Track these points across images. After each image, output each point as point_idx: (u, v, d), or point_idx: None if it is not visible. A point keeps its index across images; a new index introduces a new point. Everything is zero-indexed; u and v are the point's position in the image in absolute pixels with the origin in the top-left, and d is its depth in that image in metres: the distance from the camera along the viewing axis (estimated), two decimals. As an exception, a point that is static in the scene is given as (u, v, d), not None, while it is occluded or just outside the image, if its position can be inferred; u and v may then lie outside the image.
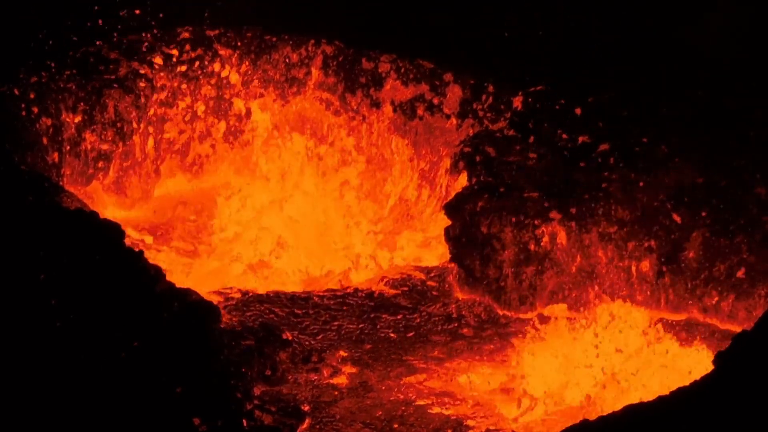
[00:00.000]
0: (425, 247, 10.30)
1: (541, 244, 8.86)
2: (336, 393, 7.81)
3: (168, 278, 7.22)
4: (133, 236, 10.36)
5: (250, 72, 11.46)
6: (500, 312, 8.92)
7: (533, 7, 11.24)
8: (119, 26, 11.18)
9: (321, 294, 9.27)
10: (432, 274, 9.47)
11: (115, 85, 10.82)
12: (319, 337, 8.54)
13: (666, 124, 9.57)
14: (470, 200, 9.19)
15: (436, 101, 10.86)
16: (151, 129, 11.16)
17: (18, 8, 10.79)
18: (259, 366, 7.69)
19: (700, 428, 5.24)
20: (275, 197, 10.58)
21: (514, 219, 8.95)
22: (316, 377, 7.93)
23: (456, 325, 8.84)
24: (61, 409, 5.85)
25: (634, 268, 8.76)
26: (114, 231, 7.29)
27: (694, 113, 9.68)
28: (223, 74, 11.44)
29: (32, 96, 10.31)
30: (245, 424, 6.68)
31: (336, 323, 8.75)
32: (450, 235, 9.25)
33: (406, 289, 9.30)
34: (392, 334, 8.68)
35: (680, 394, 5.52)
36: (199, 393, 6.30)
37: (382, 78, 11.07)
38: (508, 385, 7.91)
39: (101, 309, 6.51)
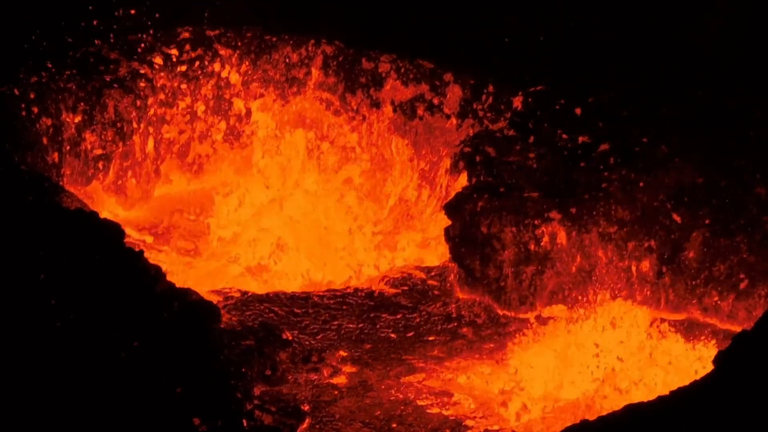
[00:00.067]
0: (425, 247, 10.30)
1: (541, 244, 8.86)
2: (336, 392, 7.81)
3: (168, 278, 7.23)
4: (133, 236, 10.36)
5: (250, 72, 11.47)
6: (500, 312, 8.92)
7: (533, 7, 11.24)
8: (119, 26, 11.19)
9: (321, 293, 9.27)
10: (432, 274, 9.48)
11: (115, 85, 10.83)
12: (319, 336, 8.54)
13: (666, 124, 9.57)
14: (470, 200, 9.19)
15: (436, 101, 10.86)
16: (151, 129, 11.17)
17: (18, 8, 10.79)
18: (259, 366, 7.69)
19: (700, 428, 5.24)
20: (275, 197, 10.58)
21: (514, 219, 8.95)
22: (316, 377, 7.93)
23: (455, 324, 8.84)
24: (61, 409, 5.85)
25: (634, 268, 8.76)
26: (114, 231, 7.29)
27: (694, 113, 9.67)
28: (223, 74, 11.45)
29: (32, 96, 10.31)
30: (245, 424, 6.68)
31: (336, 322, 8.76)
32: (450, 235, 9.25)
33: (406, 288, 9.30)
34: (392, 334, 8.68)
35: (680, 394, 5.52)
36: (199, 393, 6.30)
37: (382, 78, 11.07)
38: (508, 385, 7.91)
39: (101, 309, 6.51)
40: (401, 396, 7.82)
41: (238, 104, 11.52)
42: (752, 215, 8.78)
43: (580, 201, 9.01)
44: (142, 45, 11.19)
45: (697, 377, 5.70)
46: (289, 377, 7.84)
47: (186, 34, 11.40)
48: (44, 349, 6.14)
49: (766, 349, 5.44)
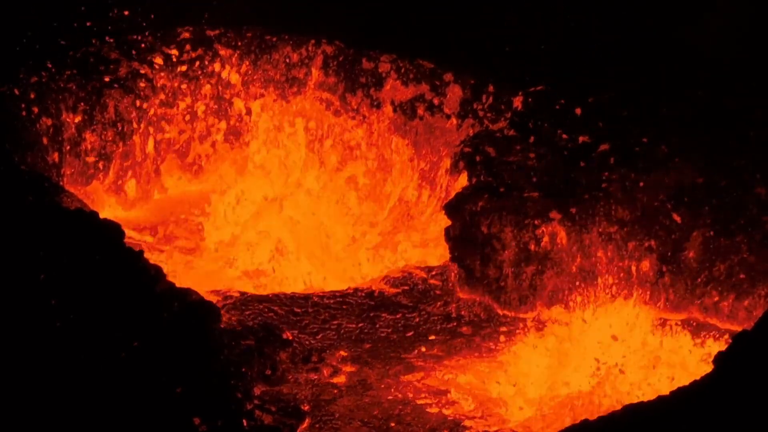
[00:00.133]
0: (425, 247, 10.30)
1: (541, 244, 8.86)
2: (335, 391, 7.81)
3: (168, 278, 7.23)
4: (133, 236, 10.37)
5: (250, 72, 11.47)
6: (500, 312, 8.92)
7: (533, 7, 11.25)
8: (120, 26, 11.19)
9: (321, 293, 9.27)
10: (433, 273, 9.48)
11: (115, 85, 10.83)
12: (319, 336, 8.54)
13: (666, 124, 9.57)
14: (470, 200, 9.19)
15: (436, 101, 10.86)
16: (151, 129, 11.17)
17: (18, 8, 10.79)
18: (259, 366, 7.69)
19: (700, 428, 5.24)
20: (275, 197, 10.58)
21: (514, 219, 8.95)
22: (316, 377, 7.93)
23: (455, 324, 8.84)
24: (61, 409, 5.85)
25: (634, 268, 8.76)
26: (114, 231, 7.29)
27: (694, 113, 9.67)
28: (224, 74, 11.45)
29: (32, 96, 10.31)
30: (245, 424, 6.68)
31: (335, 322, 8.75)
32: (450, 235, 9.25)
33: (406, 288, 9.30)
34: (391, 333, 8.68)
35: (680, 394, 5.52)
36: (199, 393, 6.30)
37: (383, 78, 11.07)
38: (507, 384, 7.91)
39: (101, 309, 6.51)
40: (400, 395, 7.82)
41: (238, 104, 11.52)
42: (752, 215, 8.78)
43: (580, 201, 9.01)
44: (142, 45, 11.19)
45: (697, 377, 5.70)
46: (289, 377, 7.84)
47: (186, 34, 11.40)
48: (44, 349, 6.14)
49: (766, 349, 5.44)
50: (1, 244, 6.76)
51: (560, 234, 8.87)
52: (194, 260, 10.27)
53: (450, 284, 9.27)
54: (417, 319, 8.89)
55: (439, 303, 9.11)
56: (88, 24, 11.05)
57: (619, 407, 5.67)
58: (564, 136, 9.69)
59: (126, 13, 11.22)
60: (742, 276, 8.53)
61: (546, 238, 8.86)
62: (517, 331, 8.40)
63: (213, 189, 11.12)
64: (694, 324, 8.54)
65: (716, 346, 8.00)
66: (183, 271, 9.90)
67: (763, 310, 7.54)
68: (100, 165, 10.79)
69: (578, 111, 9.89)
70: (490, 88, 10.60)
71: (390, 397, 7.79)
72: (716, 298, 8.59)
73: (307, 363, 8.05)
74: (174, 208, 11.15)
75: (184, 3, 11.51)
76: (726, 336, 8.28)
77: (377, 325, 8.79)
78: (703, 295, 8.65)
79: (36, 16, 10.81)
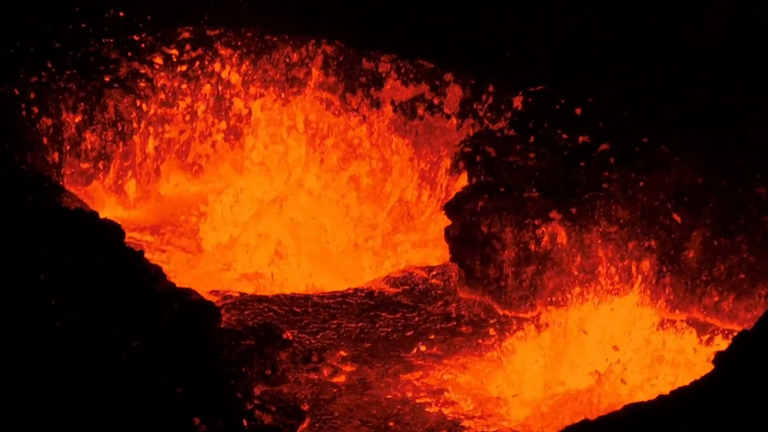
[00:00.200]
0: (425, 247, 10.30)
1: (541, 244, 8.86)
2: (335, 390, 7.81)
3: (168, 278, 7.22)
4: (134, 236, 10.36)
5: (250, 72, 11.47)
6: (500, 312, 8.92)
7: (533, 7, 11.24)
8: (119, 26, 11.19)
9: (320, 293, 9.27)
10: (434, 273, 9.48)
11: (115, 85, 10.83)
12: (319, 335, 8.54)
13: (666, 124, 9.56)
14: (470, 200, 9.19)
15: (436, 101, 10.86)
16: (151, 129, 11.17)
17: (18, 8, 10.79)
18: (259, 366, 7.69)
19: (700, 428, 5.24)
20: (274, 198, 10.57)
21: (514, 219, 8.95)
22: (316, 377, 7.93)
23: (455, 323, 8.84)
24: (62, 409, 5.85)
25: (634, 268, 8.76)
26: (114, 231, 7.29)
27: (694, 113, 9.67)
28: (224, 74, 11.45)
29: (32, 96, 10.31)
30: (245, 424, 6.68)
31: (335, 321, 8.75)
32: (450, 235, 9.25)
33: (407, 288, 9.30)
34: (391, 333, 8.68)
35: (680, 394, 5.52)
36: (199, 393, 6.30)
37: (383, 78, 11.07)
38: (507, 384, 7.91)
39: (101, 309, 6.51)
40: (399, 394, 7.82)
41: (238, 104, 11.52)
42: (752, 215, 8.78)
43: (580, 201, 9.01)
44: (142, 45, 11.19)
45: (697, 377, 5.70)
46: (289, 377, 7.84)
47: (186, 34, 11.40)
48: (44, 349, 6.14)
49: (766, 349, 5.44)
50: (1, 244, 6.76)
51: (560, 234, 8.87)
52: (194, 260, 10.27)
53: (450, 284, 9.27)
54: (417, 319, 8.89)
55: (439, 303, 9.11)
56: (87, 24, 11.05)
57: (619, 407, 5.67)
58: (564, 136, 9.69)
59: (126, 13, 11.22)
60: (742, 276, 8.53)
61: (546, 238, 8.86)
62: (517, 330, 8.39)
63: (213, 189, 11.12)
64: (698, 323, 8.53)
65: (721, 345, 8.00)
66: (183, 271, 9.90)
67: (763, 310, 7.54)
68: (100, 165, 10.79)
69: (578, 111, 9.89)
70: (490, 88, 10.60)
71: (389, 396, 7.79)
72: (716, 298, 8.59)
73: (307, 363, 8.05)
74: (174, 208, 11.15)
75: (184, 3, 11.51)
76: (721, 334, 8.30)
77: (377, 325, 8.79)
78: (703, 295, 8.65)
79: (36, 16, 10.81)
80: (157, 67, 11.16)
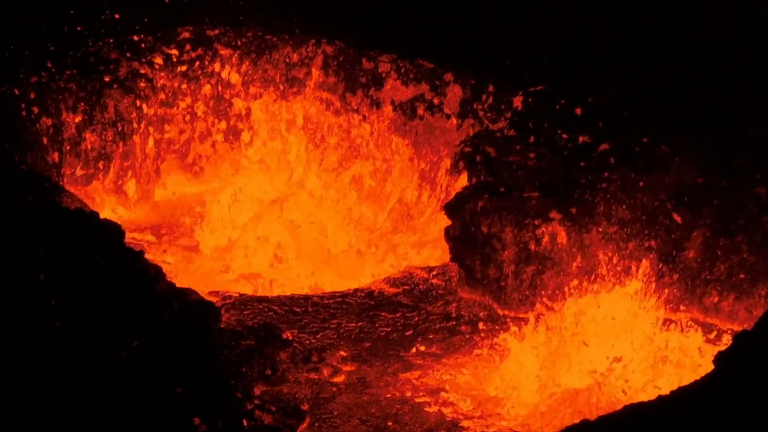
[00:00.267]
0: (425, 247, 10.30)
1: (542, 244, 8.86)
2: (334, 389, 7.81)
3: (169, 278, 7.22)
4: (134, 236, 10.36)
5: (250, 72, 11.47)
6: (500, 312, 8.92)
7: (533, 7, 11.25)
8: (119, 26, 11.19)
9: (320, 293, 9.27)
10: (433, 273, 9.48)
11: (115, 85, 10.83)
12: (319, 335, 8.54)
13: (666, 124, 9.57)
14: (470, 200, 9.19)
15: (436, 101, 10.86)
16: (151, 129, 11.17)
17: (18, 8, 10.79)
18: (259, 366, 7.69)
19: (700, 428, 5.24)
20: (274, 199, 10.57)
21: (514, 219, 8.95)
22: (316, 376, 7.93)
23: (454, 323, 8.84)
24: (62, 409, 5.85)
25: (634, 268, 8.76)
26: (114, 231, 7.29)
27: (694, 113, 9.67)
28: (224, 74, 11.45)
29: (32, 96, 10.31)
30: (245, 424, 6.68)
31: (335, 321, 8.76)
32: (450, 235, 9.25)
33: (407, 288, 9.30)
34: (391, 332, 8.68)
35: (680, 394, 5.52)
36: (199, 393, 6.30)
37: (383, 78, 11.07)
38: (506, 384, 7.91)
39: (101, 309, 6.51)
40: (398, 394, 7.82)
41: (238, 104, 11.52)
42: (752, 215, 8.78)
43: (580, 201, 9.01)
44: (142, 45, 11.19)
45: (697, 376, 5.70)
46: (289, 377, 7.84)
47: (186, 34, 11.40)
48: (44, 349, 6.14)
49: (766, 349, 5.44)
50: (1, 244, 6.76)
51: (560, 234, 8.87)
52: (194, 261, 10.27)
53: (451, 284, 9.27)
54: (416, 318, 8.89)
55: (439, 303, 9.11)
56: (88, 24, 11.05)
57: (619, 407, 5.66)
58: (564, 136, 9.69)
59: (126, 13, 11.22)
60: (742, 276, 8.53)
61: (546, 238, 8.86)
62: (517, 330, 8.39)
63: (212, 189, 11.12)
64: (701, 322, 8.52)
65: (717, 345, 8.00)
66: (183, 272, 9.90)
67: (763, 310, 7.54)
68: (101, 165, 10.79)
69: (578, 111, 9.89)
70: (490, 88, 10.60)
71: (388, 396, 7.79)
72: (716, 298, 8.59)
73: (307, 363, 8.05)
74: (174, 208, 11.15)
75: (184, 3, 11.51)
76: (721, 334, 8.30)
77: (377, 324, 8.79)
78: (703, 295, 8.65)
79: (36, 16, 10.81)
80: (157, 67, 11.16)
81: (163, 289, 6.98)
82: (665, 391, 5.79)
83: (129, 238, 9.22)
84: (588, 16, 11.10)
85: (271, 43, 11.47)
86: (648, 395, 7.28)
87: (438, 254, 9.97)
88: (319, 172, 10.98)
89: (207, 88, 11.41)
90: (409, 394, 7.84)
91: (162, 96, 11.19)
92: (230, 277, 9.90)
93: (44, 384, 5.95)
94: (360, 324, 8.77)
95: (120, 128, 10.82)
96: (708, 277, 8.64)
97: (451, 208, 9.29)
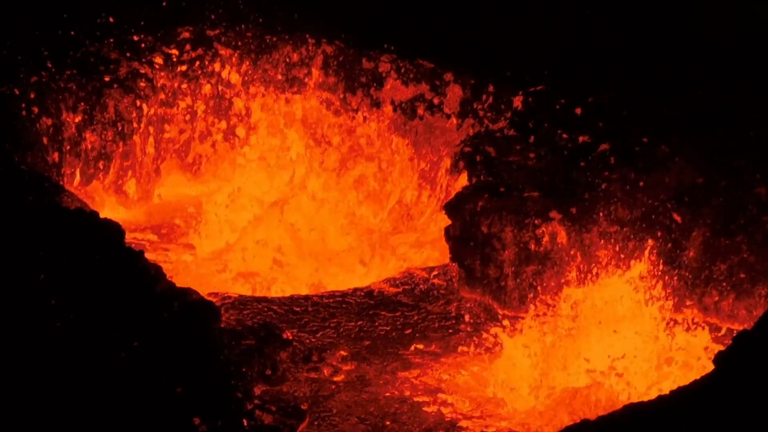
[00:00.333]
0: (425, 247, 10.30)
1: (542, 243, 8.86)
2: (333, 387, 7.82)
3: (169, 278, 7.22)
4: (134, 236, 10.36)
5: (250, 72, 11.47)
6: (500, 311, 8.92)
7: (533, 7, 11.24)
8: (120, 26, 11.19)
9: (320, 293, 9.27)
10: (434, 273, 9.48)
11: (115, 85, 10.83)
12: (318, 334, 8.54)
13: (666, 124, 9.57)
14: (470, 200, 9.19)
15: (436, 101, 10.86)
16: (151, 129, 11.17)
17: (18, 8, 10.79)
18: (259, 366, 7.68)
19: (700, 428, 5.23)
20: (274, 199, 10.56)
21: (514, 219, 8.95)
22: (316, 376, 7.93)
23: (454, 322, 8.84)
24: (62, 409, 5.85)
25: (634, 268, 8.75)
26: (114, 231, 7.28)
27: (694, 113, 9.67)
28: (224, 74, 11.45)
29: (32, 96, 10.31)
30: (245, 424, 6.67)
31: (335, 320, 8.76)
32: (450, 235, 9.25)
33: (407, 287, 9.31)
34: (390, 331, 8.68)
35: (680, 394, 5.52)
36: (199, 393, 6.30)
37: (383, 78, 11.07)
38: (505, 384, 7.91)
39: (101, 309, 6.51)
40: (397, 393, 7.82)
41: (238, 104, 11.52)
42: (752, 215, 8.78)
43: (580, 201, 9.01)
44: (142, 45, 11.19)
45: (697, 376, 5.70)
46: (289, 376, 7.84)
47: (186, 34, 11.40)
48: (44, 349, 6.14)
49: (766, 349, 5.44)
50: (1, 244, 6.76)
51: (560, 234, 8.88)
52: (194, 261, 10.26)
53: (452, 284, 9.27)
54: (416, 318, 8.90)
55: (439, 302, 9.11)
56: (88, 24, 11.05)
57: (618, 406, 5.66)
58: (564, 136, 9.69)
59: (126, 13, 11.22)
60: (742, 276, 8.53)
61: (546, 238, 8.86)
62: (517, 330, 8.39)
63: (212, 189, 11.11)
64: (696, 323, 8.52)
65: (716, 342, 8.01)
66: (183, 272, 9.90)
67: (763, 310, 7.53)
68: (101, 165, 10.78)
69: (578, 111, 9.89)
70: (490, 88, 10.60)
71: (387, 395, 7.79)
72: (716, 298, 8.59)
73: (307, 363, 8.05)
74: (174, 208, 11.15)
75: (184, 3, 11.51)
76: (715, 331, 8.31)
77: (376, 323, 8.79)
78: (704, 295, 8.65)
79: (36, 16, 10.81)
80: (157, 67, 11.16)
81: (163, 289, 6.98)
82: (665, 391, 5.79)
83: (129, 238, 9.21)
84: (588, 16, 11.10)
85: (271, 43, 11.47)
86: (649, 395, 7.28)
87: (438, 254, 9.97)
88: (319, 172, 10.97)
89: (207, 88, 11.41)
90: (407, 393, 7.84)
91: (162, 96, 11.19)
92: (228, 276, 9.89)
93: (44, 384, 5.95)
94: (360, 323, 8.77)
95: (120, 128, 10.82)
96: (708, 277, 8.64)
97: (451, 208, 9.29)
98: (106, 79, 10.81)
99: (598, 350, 7.88)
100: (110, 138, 10.78)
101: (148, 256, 7.78)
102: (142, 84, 10.98)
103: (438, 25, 11.21)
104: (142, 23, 11.26)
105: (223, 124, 11.53)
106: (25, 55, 10.52)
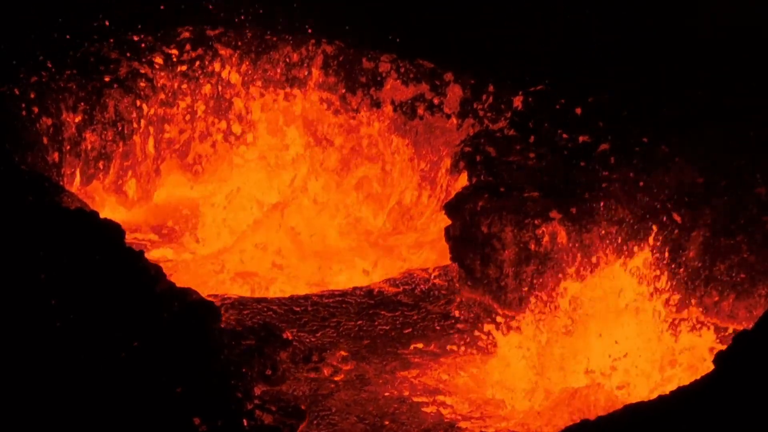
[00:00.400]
0: (425, 247, 10.30)
1: (542, 243, 8.86)
2: (332, 386, 7.82)
3: (169, 278, 7.22)
4: (135, 236, 10.36)
5: (250, 72, 11.46)
6: (500, 311, 8.91)
7: (533, 7, 11.24)
8: (120, 26, 11.19)
9: (320, 293, 9.27)
10: (433, 273, 9.48)
11: (115, 85, 10.83)
12: (318, 334, 8.54)
13: (666, 124, 9.57)
14: (470, 200, 9.19)
15: (436, 101, 10.86)
16: (151, 129, 11.17)
17: (18, 8, 10.79)
18: (259, 366, 7.68)
19: (700, 428, 5.23)
20: (274, 199, 10.55)
21: (514, 219, 8.95)
22: (316, 376, 7.93)
23: (453, 322, 8.84)
24: (62, 409, 5.85)
25: (634, 268, 8.75)
26: (114, 231, 7.28)
27: (694, 113, 9.67)
28: (224, 74, 11.44)
29: (32, 96, 10.31)
30: (245, 424, 6.68)
31: (335, 320, 8.76)
32: (450, 235, 9.25)
33: (407, 287, 9.30)
34: (390, 330, 8.68)
35: (680, 394, 5.52)
36: (199, 393, 6.30)
37: (383, 78, 11.07)
38: (505, 384, 7.91)
39: (101, 309, 6.51)
40: (396, 392, 7.82)
41: (238, 104, 11.52)
42: (752, 215, 8.78)
43: (580, 201, 9.01)
44: (142, 45, 11.19)
45: (697, 376, 5.70)
46: (290, 376, 7.84)
47: (186, 34, 11.40)
48: (44, 349, 6.14)
49: (766, 349, 5.44)
50: (1, 244, 6.76)
51: (560, 234, 8.87)
52: (194, 261, 10.26)
53: (450, 284, 9.27)
54: (416, 317, 8.90)
55: (438, 302, 9.11)
56: (87, 24, 11.05)
57: (618, 407, 5.66)
58: (564, 136, 9.69)
59: (126, 13, 11.22)
60: (742, 276, 8.54)
61: (546, 238, 8.86)
62: (516, 330, 8.39)
63: (212, 190, 11.11)
64: (696, 323, 8.53)
65: (715, 342, 8.02)
66: (183, 272, 9.90)
67: (763, 310, 7.54)
68: (101, 165, 10.78)
69: (578, 111, 9.90)
70: (490, 88, 10.60)
71: (386, 394, 7.79)
72: (716, 298, 8.59)
73: (307, 363, 8.05)
74: (174, 208, 11.14)
75: (184, 3, 11.51)
76: (715, 331, 8.31)
77: (376, 323, 8.79)
78: (704, 295, 8.65)
79: (36, 16, 10.81)
80: (157, 67, 11.16)
81: (163, 289, 6.98)
82: (665, 390, 5.79)
83: (129, 238, 9.22)
84: (588, 16, 11.10)
85: (271, 43, 11.47)
86: (647, 393, 7.28)
87: (438, 254, 9.97)
88: (319, 172, 10.97)
89: (207, 88, 11.41)
90: (407, 393, 7.84)
91: (162, 96, 11.19)
92: (226, 276, 9.89)
93: (44, 384, 5.95)
94: (359, 323, 8.77)
95: (120, 128, 10.82)
96: (708, 277, 8.64)
97: (451, 208, 9.29)
98: (106, 79, 10.81)
99: (598, 350, 7.88)
100: (110, 138, 10.78)
101: (148, 256, 7.79)
102: (142, 84, 10.97)
103: (438, 25, 11.21)
104: (142, 23, 11.26)
105: (223, 124, 11.52)
106: (25, 55, 10.52)
